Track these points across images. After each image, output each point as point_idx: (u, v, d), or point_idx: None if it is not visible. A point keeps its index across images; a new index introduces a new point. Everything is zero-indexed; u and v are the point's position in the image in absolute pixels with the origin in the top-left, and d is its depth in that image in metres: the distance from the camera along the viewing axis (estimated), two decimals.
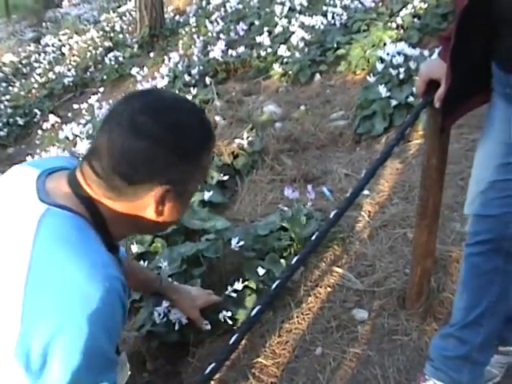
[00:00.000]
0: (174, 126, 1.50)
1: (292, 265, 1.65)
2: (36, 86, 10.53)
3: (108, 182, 1.49)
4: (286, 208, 3.29)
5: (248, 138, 4.44)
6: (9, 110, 10.21)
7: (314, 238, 1.70)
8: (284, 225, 3.11)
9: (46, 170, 1.59)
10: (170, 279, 2.74)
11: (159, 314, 2.64)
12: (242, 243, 2.92)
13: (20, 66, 13.77)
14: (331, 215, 1.77)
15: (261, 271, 2.78)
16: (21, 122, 9.65)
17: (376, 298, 2.69)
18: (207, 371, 1.44)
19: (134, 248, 3.16)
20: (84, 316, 1.38)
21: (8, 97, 11.12)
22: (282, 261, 2.90)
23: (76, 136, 5.45)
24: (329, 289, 2.82)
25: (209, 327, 2.58)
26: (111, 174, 1.48)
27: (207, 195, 3.71)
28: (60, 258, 1.39)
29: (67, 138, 5.50)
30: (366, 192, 3.48)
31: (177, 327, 2.61)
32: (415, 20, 6.18)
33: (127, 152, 1.46)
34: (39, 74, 11.26)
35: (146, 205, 1.53)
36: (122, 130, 1.47)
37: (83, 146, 4.75)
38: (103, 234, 1.53)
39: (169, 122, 1.50)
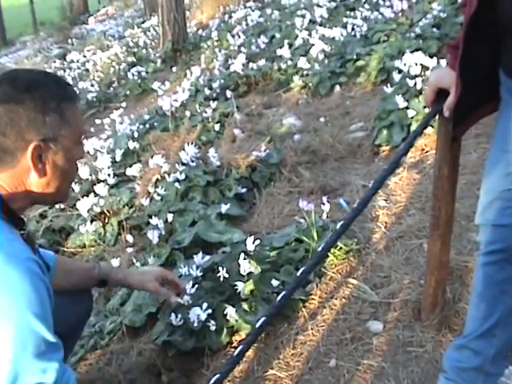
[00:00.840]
0: (29, 86, 1.63)
1: (297, 276, 1.64)
2: None
3: None
4: (301, 220, 3.28)
5: (266, 150, 4.44)
6: None
7: (320, 249, 1.69)
8: (299, 237, 3.11)
9: None
10: None
11: (177, 316, 2.68)
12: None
13: None
14: (337, 226, 1.76)
15: (275, 283, 2.79)
16: None
17: (391, 309, 2.67)
18: (211, 383, 1.44)
19: (151, 261, 3.17)
20: (10, 302, 1.46)
21: None
22: (297, 273, 2.89)
23: (97, 151, 5.47)
24: (344, 300, 2.80)
25: (179, 300, 2.59)
26: None
27: (224, 208, 3.72)
28: None
29: (88, 152, 5.52)
30: (382, 203, 3.47)
31: (196, 324, 2.66)
32: (434, 30, 6.15)
33: None
34: None
35: (27, 168, 1.63)
36: None
37: (104, 161, 4.78)
38: (8, 216, 1.63)
39: (23, 84, 1.64)
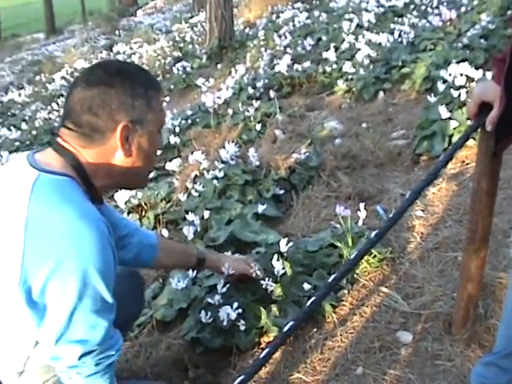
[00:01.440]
0: (118, 71, 1.80)
1: (329, 282, 1.65)
2: None
3: (79, 132, 1.77)
4: (337, 225, 3.27)
5: (306, 153, 4.44)
6: None
7: (353, 256, 1.69)
8: (334, 242, 3.11)
9: (33, 151, 1.84)
10: None
11: (207, 314, 2.71)
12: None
13: None
14: (373, 234, 1.76)
15: (306, 286, 2.79)
16: None
17: (422, 320, 2.66)
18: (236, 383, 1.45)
19: None
20: (77, 254, 1.59)
21: None
22: (330, 278, 2.89)
23: None
24: (375, 308, 2.80)
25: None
26: (80, 124, 1.76)
27: (261, 208, 3.73)
28: (52, 208, 1.62)
29: None
30: (419, 213, 3.45)
31: (225, 322, 2.68)
32: (482, 41, 6.09)
33: (85, 101, 1.74)
34: None
35: (114, 147, 1.79)
36: (78, 88, 1.77)
37: None
38: (88, 189, 1.79)
39: (114, 69, 1.81)
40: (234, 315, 2.67)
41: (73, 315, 1.64)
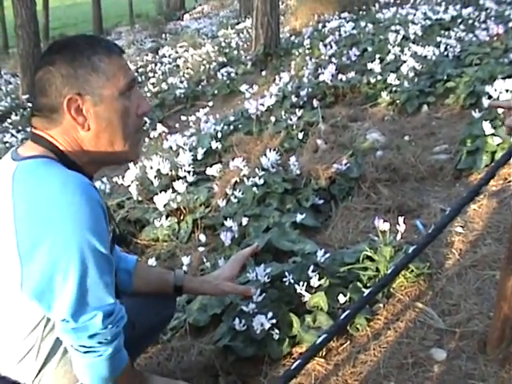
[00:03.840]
0: (60, 47, 1.78)
1: (364, 296, 1.65)
2: (149, 94, 10.73)
3: (41, 116, 1.78)
4: (375, 238, 3.26)
5: (347, 163, 4.43)
6: None
7: (389, 271, 1.69)
8: (371, 255, 3.10)
9: (17, 146, 1.85)
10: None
11: (240, 321, 2.72)
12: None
13: (136, 74, 14.12)
14: (410, 249, 1.75)
15: (342, 299, 2.78)
16: None
17: (456, 338, 2.63)
18: None
19: (221, 262, 3.19)
20: (70, 225, 1.58)
21: None
22: (366, 291, 2.88)
23: (179, 147, 5.54)
24: (409, 324, 2.78)
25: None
26: (39, 108, 1.78)
27: (299, 217, 3.73)
28: (35, 188, 1.62)
29: (171, 148, 5.61)
30: (459, 229, 3.42)
31: (258, 331, 2.68)
32: None
33: (36, 84, 1.76)
34: (153, 84, 11.49)
35: (71, 123, 1.76)
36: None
37: (185, 158, 4.83)
38: (71, 168, 1.73)
39: (56, 46, 1.79)
40: (267, 325, 2.67)
41: (83, 285, 1.61)
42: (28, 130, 10.66)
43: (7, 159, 1.75)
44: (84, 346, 1.68)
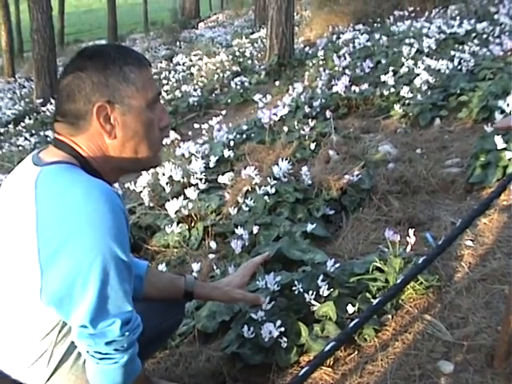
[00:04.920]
0: (92, 54, 1.81)
1: (372, 306, 1.66)
2: (162, 102, 10.76)
3: (66, 122, 1.79)
4: (385, 249, 3.27)
5: (358, 175, 4.44)
6: None
7: (399, 281, 1.70)
8: (381, 266, 3.11)
9: (38, 150, 1.85)
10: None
11: (249, 329, 2.73)
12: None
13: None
14: (420, 261, 1.77)
15: (350, 309, 2.79)
16: None
17: (464, 351, 2.63)
18: None
19: (231, 270, 3.20)
20: (93, 232, 1.58)
21: None
22: (374, 301, 2.89)
23: (192, 155, 5.56)
24: (417, 336, 2.78)
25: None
26: (64, 114, 1.79)
27: (310, 227, 3.74)
28: (58, 194, 1.62)
29: (183, 155, 5.63)
30: (469, 243, 3.42)
31: (267, 339, 2.69)
32: None
33: (64, 90, 1.77)
34: (166, 91, 11.54)
35: (99, 130, 1.77)
36: (60, 79, 1.81)
37: (197, 166, 4.86)
38: (93, 175, 1.74)
39: (88, 53, 1.82)
40: (276, 333, 2.68)
41: (104, 292, 1.62)
42: (41, 133, 10.76)
43: (28, 164, 1.77)
44: (100, 353, 1.70)
